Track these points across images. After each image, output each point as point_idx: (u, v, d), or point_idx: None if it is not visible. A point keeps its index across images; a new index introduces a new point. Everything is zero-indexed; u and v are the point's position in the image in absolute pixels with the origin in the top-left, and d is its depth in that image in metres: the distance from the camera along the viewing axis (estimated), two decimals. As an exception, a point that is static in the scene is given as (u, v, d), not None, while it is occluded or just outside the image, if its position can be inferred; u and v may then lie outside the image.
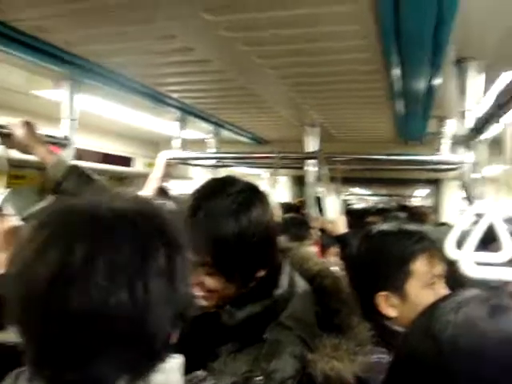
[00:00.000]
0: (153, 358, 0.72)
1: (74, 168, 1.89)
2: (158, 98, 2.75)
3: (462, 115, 2.14)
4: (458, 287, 1.05)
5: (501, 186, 1.34)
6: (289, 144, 3.52)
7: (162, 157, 2.70)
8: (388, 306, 1.37)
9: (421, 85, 2.12)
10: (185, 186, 3.58)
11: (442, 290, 1.37)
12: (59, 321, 0.66)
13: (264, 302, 1.17)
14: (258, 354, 1.11)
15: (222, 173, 3.30)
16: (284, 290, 1.20)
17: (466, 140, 2.03)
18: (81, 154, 3.43)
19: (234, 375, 1.09)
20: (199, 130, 3.88)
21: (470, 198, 2.08)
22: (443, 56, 1.76)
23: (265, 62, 2.00)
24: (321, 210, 3.14)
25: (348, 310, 1.25)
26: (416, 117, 2.92)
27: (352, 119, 3.41)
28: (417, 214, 4.80)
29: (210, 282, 1.14)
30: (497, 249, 1.42)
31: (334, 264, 2.93)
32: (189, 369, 0.83)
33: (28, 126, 1.89)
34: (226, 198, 1.15)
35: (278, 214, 2.44)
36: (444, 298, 0.85)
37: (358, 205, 12.50)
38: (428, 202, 10.04)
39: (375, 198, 14.50)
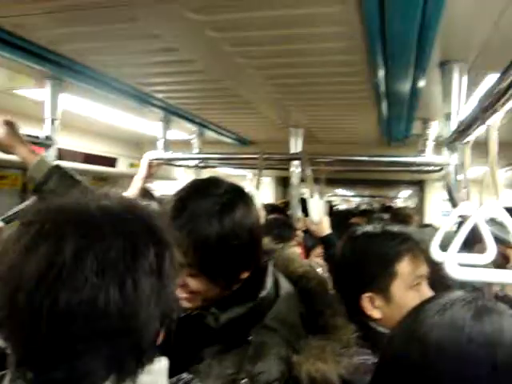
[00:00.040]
0: (141, 357, 0.72)
1: (57, 168, 1.87)
2: (141, 98, 2.73)
3: (446, 117, 2.15)
4: (441, 289, 1.06)
5: (484, 188, 1.34)
6: (273, 145, 3.51)
7: (146, 157, 2.68)
8: (373, 307, 1.37)
9: (405, 86, 2.13)
10: (169, 187, 3.57)
11: (427, 291, 1.38)
12: (48, 318, 0.65)
13: (249, 304, 1.17)
14: (243, 356, 1.10)
15: (207, 174, 3.28)
16: (269, 292, 1.20)
17: (450, 142, 2.05)
18: (63, 154, 3.40)
19: (220, 378, 1.09)
20: (183, 131, 3.87)
21: (453, 200, 2.10)
22: (428, 58, 1.77)
23: (250, 62, 1.99)
24: (305, 211, 3.14)
25: (333, 311, 1.25)
26: (400, 118, 2.93)
27: (336, 120, 3.41)
28: (400, 215, 4.83)
29: (193, 283, 1.14)
30: (480, 250, 1.43)
31: (318, 265, 2.95)
32: (172, 371, 0.82)
33: (9, 125, 1.87)
34: (210, 198, 1.15)
35: (262, 215, 2.43)
36: (429, 300, 0.85)
37: (341, 206, 12.58)
38: (411, 203, 10.13)
39: (358, 199, 14.60)
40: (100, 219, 0.71)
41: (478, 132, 1.47)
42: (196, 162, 3.64)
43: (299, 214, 3.70)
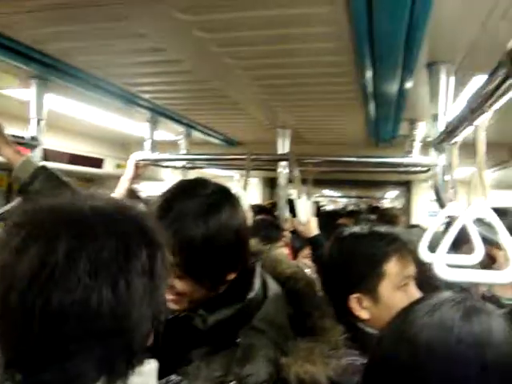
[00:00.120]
0: (131, 359, 0.72)
1: (43, 169, 1.85)
2: (128, 99, 2.71)
3: (434, 118, 2.16)
4: (429, 289, 1.06)
5: (472, 189, 1.35)
6: (261, 146, 3.51)
7: (133, 158, 2.66)
8: (361, 307, 1.37)
9: (393, 87, 2.13)
10: (156, 188, 3.55)
11: (414, 291, 1.38)
12: (40, 318, 0.65)
13: (237, 306, 1.17)
14: (231, 358, 1.10)
15: (194, 174, 3.27)
16: (257, 293, 1.20)
17: (438, 143, 2.05)
18: (49, 155, 3.37)
19: (208, 380, 1.09)
20: (170, 132, 3.85)
21: (441, 201, 2.11)
22: (415, 59, 1.78)
23: (237, 63, 1.99)
24: (292, 212, 3.14)
25: (321, 313, 1.25)
26: (388, 119, 2.94)
27: (324, 121, 3.41)
28: (387, 216, 4.85)
29: (180, 284, 1.13)
30: (467, 251, 1.43)
31: (305, 266, 2.94)
32: (161, 373, 0.82)
33: (-6, 125, 1.85)
34: (197, 199, 1.14)
35: (249, 216, 2.43)
36: (418, 301, 0.85)
37: (329, 207, 12.61)
38: (398, 204, 10.17)
39: (345, 200, 14.65)
40: (92, 219, 0.71)
41: (465, 133, 1.47)
42: (183, 162, 3.62)
43: (287, 214, 3.70)
